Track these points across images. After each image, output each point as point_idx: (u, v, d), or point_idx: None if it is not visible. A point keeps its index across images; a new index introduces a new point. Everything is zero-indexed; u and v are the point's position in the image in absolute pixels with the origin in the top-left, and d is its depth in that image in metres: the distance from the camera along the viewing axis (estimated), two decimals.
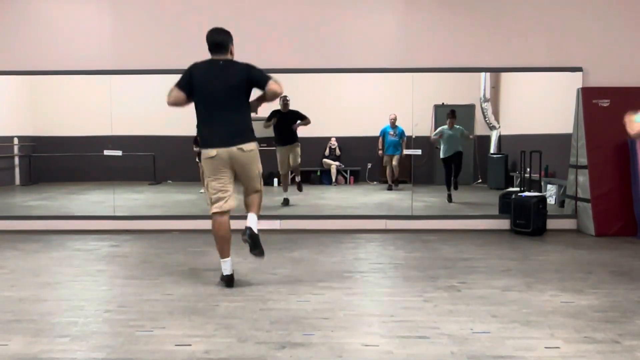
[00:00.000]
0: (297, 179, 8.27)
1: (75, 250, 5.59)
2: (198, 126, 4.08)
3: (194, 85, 3.97)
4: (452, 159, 8.33)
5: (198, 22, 6.61)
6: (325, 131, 9.80)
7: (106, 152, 7.01)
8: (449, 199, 8.15)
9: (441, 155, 8.40)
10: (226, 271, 4.11)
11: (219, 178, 4.04)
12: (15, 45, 6.76)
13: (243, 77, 3.94)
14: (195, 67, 4.03)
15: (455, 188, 8.25)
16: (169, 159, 9.06)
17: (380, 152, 9.25)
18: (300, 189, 8.23)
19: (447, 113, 8.45)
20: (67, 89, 8.43)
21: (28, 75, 7.08)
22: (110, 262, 5.04)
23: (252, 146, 4.02)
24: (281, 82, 3.93)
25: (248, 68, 3.99)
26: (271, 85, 3.90)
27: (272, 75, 3.96)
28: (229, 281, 4.11)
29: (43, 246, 5.75)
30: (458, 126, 8.38)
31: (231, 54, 4.06)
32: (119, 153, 7.03)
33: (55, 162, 9.26)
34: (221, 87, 3.93)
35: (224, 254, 4.11)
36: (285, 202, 7.88)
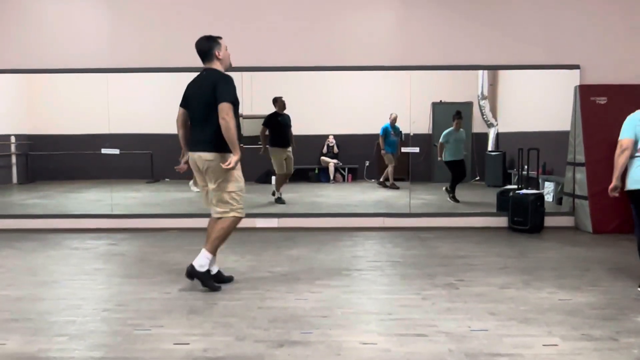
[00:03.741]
0: (278, 192, 7.87)
1: (72, 249, 5.58)
2: None
3: (184, 96, 4.18)
4: (457, 164, 8.18)
5: (196, 21, 6.63)
6: (323, 129, 9.79)
7: (103, 151, 6.99)
8: (454, 199, 8.10)
9: (446, 158, 8.18)
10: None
11: (199, 179, 4.16)
12: (12, 43, 6.74)
13: (211, 87, 3.93)
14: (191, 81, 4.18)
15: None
16: (167, 157, 9.00)
17: (383, 151, 9.19)
18: (282, 202, 7.83)
19: (453, 115, 8.24)
20: (64, 87, 8.40)
21: (25, 74, 7.05)
22: (108, 261, 5.03)
23: (211, 156, 3.93)
24: (229, 117, 3.79)
25: (217, 79, 3.93)
26: (220, 108, 3.82)
27: (225, 104, 3.81)
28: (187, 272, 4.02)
29: (40, 245, 5.74)
30: (462, 129, 8.28)
31: (218, 59, 4.06)
32: (116, 151, 7.01)
33: (52, 161, 9.23)
34: (196, 96, 4.04)
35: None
36: (281, 201, 7.83)
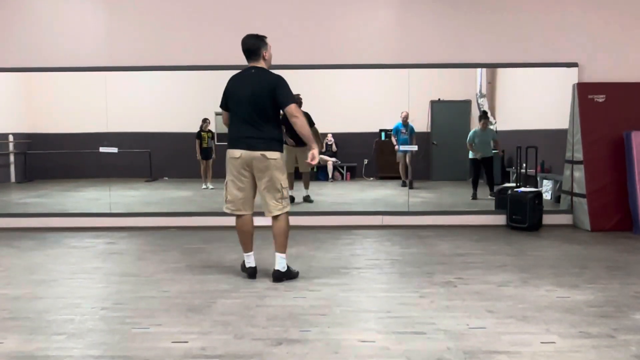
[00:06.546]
0: (306, 191, 7.92)
1: (71, 247, 5.58)
2: (229, 126, 4.18)
3: (227, 93, 4.14)
4: (483, 163, 8.13)
5: (195, 19, 6.62)
6: (322, 127, 9.75)
7: (102, 149, 6.99)
8: (474, 197, 8.04)
9: (470, 156, 8.16)
10: (248, 264, 4.24)
11: (238, 181, 4.12)
12: (10, 41, 6.73)
13: (268, 88, 3.98)
14: (231, 77, 4.16)
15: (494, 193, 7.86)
16: (165, 155, 9.03)
17: (396, 147, 9.13)
18: (309, 201, 7.89)
19: (479, 115, 8.29)
20: (62, 85, 8.39)
21: (23, 72, 7.04)
22: (106, 260, 5.03)
23: (275, 155, 4.04)
24: (300, 115, 3.96)
25: (276, 81, 4.00)
26: (289, 110, 3.96)
27: (293, 106, 3.96)
28: (250, 273, 4.24)
29: (38, 244, 5.74)
30: (491, 128, 8.25)
31: (264, 59, 4.11)
32: (114, 150, 7.01)
33: (50, 160, 9.22)
34: (248, 95, 4.01)
35: (245, 248, 4.24)
36: (291, 200, 7.79)
